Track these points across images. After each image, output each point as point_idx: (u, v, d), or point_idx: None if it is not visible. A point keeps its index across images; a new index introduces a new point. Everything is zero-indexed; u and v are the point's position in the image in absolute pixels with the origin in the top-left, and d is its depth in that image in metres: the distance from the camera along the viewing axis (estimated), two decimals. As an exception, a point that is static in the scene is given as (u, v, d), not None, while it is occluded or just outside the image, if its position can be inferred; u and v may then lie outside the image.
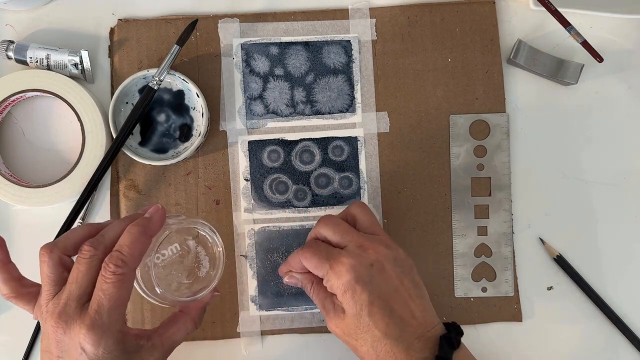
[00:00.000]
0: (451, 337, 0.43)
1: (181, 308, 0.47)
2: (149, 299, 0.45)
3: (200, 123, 0.54)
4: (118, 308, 0.39)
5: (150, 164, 0.54)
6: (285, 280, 0.49)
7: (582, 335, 0.56)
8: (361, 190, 0.56)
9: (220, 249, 0.48)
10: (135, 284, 0.44)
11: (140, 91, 0.54)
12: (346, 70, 0.56)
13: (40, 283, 0.42)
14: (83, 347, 0.38)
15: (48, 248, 0.41)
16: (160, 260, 0.46)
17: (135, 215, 0.44)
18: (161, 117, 0.55)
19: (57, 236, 0.52)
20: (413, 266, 0.46)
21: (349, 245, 0.45)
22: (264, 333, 0.55)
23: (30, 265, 0.55)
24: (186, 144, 0.55)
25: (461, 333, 0.44)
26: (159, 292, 0.45)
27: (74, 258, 0.42)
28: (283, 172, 0.56)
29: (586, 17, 0.56)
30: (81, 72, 0.54)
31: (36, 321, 0.54)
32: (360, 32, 0.56)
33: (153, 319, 0.54)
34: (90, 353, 0.38)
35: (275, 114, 0.56)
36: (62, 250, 0.41)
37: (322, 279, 0.45)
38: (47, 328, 0.39)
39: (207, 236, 0.48)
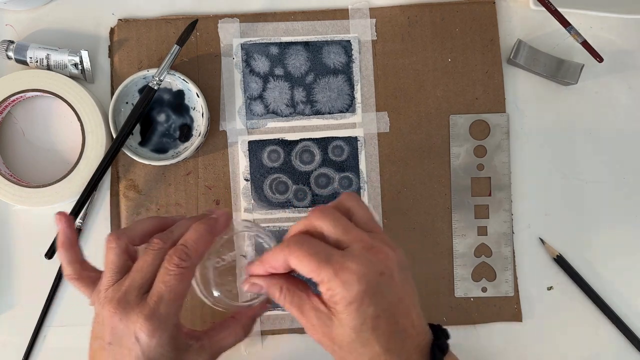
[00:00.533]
0: (442, 343, 0.40)
1: (233, 314, 0.46)
2: (205, 300, 0.45)
3: (200, 123, 0.54)
4: (176, 302, 0.39)
5: (150, 164, 0.54)
6: (245, 288, 0.42)
7: (582, 335, 0.56)
8: (361, 190, 0.56)
9: None
10: (193, 283, 0.43)
11: (140, 91, 0.54)
12: (346, 70, 0.56)
13: (101, 270, 0.42)
14: (138, 337, 0.38)
15: (116, 235, 0.41)
16: (220, 265, 0.45)
17: (202, 216, 0.44)
18: (161, 117, 0.55)
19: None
20: (410, 266, 0.41)
21: (354, 246, 0.38)
22: (264, 333, 0.55)
23: (31, 265, 0.55)
24: (186, 144, 0.55)
25: (448, 336, 0.42)
26: (216, 295, 0.45)
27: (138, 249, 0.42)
28: (283, 172, 0.56)
29: (586, 17, 0.56)
30: (81, 72, 0.54)
31: (36, 321, 0.54)
32: (360, 32, 0.56)
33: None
34: (143, 343, 0.38)
35: (275, 114, 0.56)
36: (129, 239, 0.41)
37: (293, 283, 0.41)
38: (103, 314, 0.39)
39: (264, 245, 0.47)
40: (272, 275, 0.41)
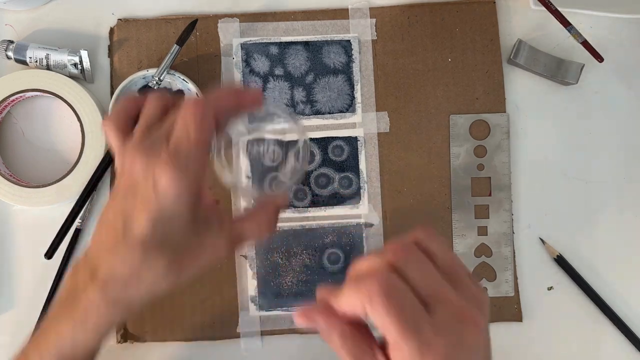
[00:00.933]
0: None
1: (258, 205, 0.41)
2: (225, 179, 0.41)
3: (200, 123, 0.54)
4: (194, 152, 0.35)
5: (150, 164, 0.54)
6: (298, 321, 0.34)
7: (582, 335, 0.56)
8: (361, 190, 0.56)
9: (301, 145, 0.43)
10: (215, 160, 0.40)
11: (140, 91, 0.54)
12: (346, 70, 0.56)
13: None
14: (156, 181, 0.35)
15: (160, 92, 0.40)
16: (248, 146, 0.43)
17: None
18: (161, 117, 0.55)
19: (56, 237, 0.52)
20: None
21: (442, 311, 0.31)
22: (264, 333, 0.55)
23: (31, 265, 0.55)
24: (186, 144, 0.55)
25: None
26: (236, 176, 0.41)
27: None
28: (283, 172, 0.56)
29: (586, 17, 0.56)
30: (81, 72, 0.54)
31: (36, 321, 0.54)
32: (360, 32, 0.56)
33: (153, 320, 0.54)
34: (161, 190, 0.35)
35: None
36: (171, 99, 0.39)
37: (357, 328, 0.33)
38: (125, 162, 0.36)
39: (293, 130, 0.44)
40: (332, 312, 0.33)
